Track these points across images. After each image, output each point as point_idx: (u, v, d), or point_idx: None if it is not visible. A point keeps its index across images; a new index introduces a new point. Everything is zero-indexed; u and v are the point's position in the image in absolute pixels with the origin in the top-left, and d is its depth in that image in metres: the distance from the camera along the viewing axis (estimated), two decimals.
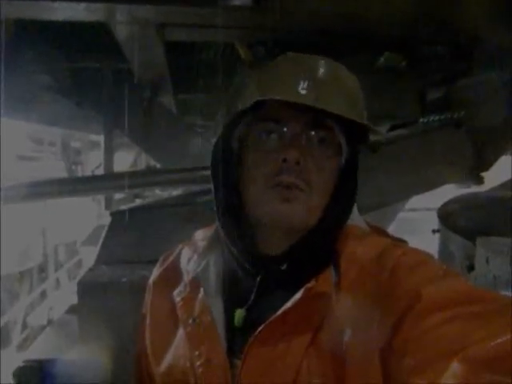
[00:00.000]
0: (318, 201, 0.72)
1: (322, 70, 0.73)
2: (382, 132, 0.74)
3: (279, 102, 0.69)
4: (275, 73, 0.74)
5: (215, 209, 0.77)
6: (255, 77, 0.75)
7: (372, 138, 0.76)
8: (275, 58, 0.76)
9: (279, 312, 0.66)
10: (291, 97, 0.68)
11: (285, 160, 0.69)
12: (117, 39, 1.89)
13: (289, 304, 0.66)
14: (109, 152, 2.90)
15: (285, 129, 0.71)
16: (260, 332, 0.67)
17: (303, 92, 0.69)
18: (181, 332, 0.76)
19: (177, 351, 0.76)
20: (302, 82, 0.70)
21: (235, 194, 0.75)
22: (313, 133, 0.72)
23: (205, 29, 1.77)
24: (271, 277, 0.72)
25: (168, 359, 0.77)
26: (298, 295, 0.66)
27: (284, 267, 0.71)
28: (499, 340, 0.52)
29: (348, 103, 0.71)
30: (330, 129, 0.72)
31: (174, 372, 0.75)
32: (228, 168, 0.75)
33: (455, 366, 0.52)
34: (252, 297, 0.72)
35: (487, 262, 1.55)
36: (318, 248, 0.72)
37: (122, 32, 1.84)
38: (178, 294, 0.79)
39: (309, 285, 0.66)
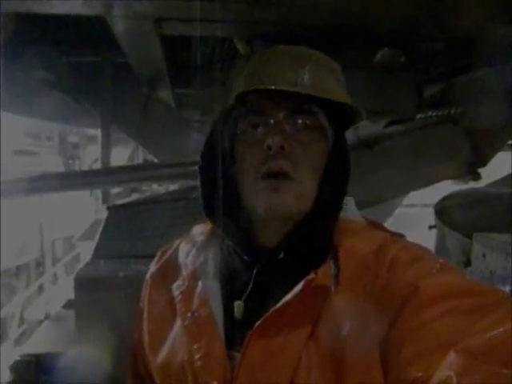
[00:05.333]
0: (307, 187, 0.72)
1: (302, 58, 0.74)
2: (364, 113, 0.74)
3: (262, 95, 0.71)
4: (256, 65, 0.75)
5: (202, 204, 0.78)
6: (240, 72, 0.77)
7: (358, 121, 0.77)
8: None
9: (279, 304, 0.66)
10: (269, 84, 0.69)
11: (270, 147, 0.70)
12: (114, 34, 1.89)
13: (289, 296, 0.66)
14: (106, 146, 2.89)
15: (268, 118, 0.72)
16: (259, 324, 0.67)
17: (282, 78, 0.70)
18: (179, 325, 0.77)
19: (175, 344, 0.77)
20: (280, 70, 0.71)
21: (231, 188, 0.75)
22: (296, 118, 0.72)
23: (202, 23, 1.77)
24: (268, 267, 0.73)
25: (166, 352, 0.77)
26: (298, 287, 0.66)
27: (281, 256, 0.71)
28: (496, 332, 0.52)
29: (329, 86, 0.73)
30: (314, 114, 0.73)
31: (172, 365, 0.75)
32: (222, 163, 0.76)
33: (452, 358, 0.52)
34: (249, 288, 0.72)
35: (484, 257, 1.56)
36: (313, 234, 0.72)
37: (119, 26, 1.83)
38: (176, 288, 0.80)
39: (309, 277, 0.66)
